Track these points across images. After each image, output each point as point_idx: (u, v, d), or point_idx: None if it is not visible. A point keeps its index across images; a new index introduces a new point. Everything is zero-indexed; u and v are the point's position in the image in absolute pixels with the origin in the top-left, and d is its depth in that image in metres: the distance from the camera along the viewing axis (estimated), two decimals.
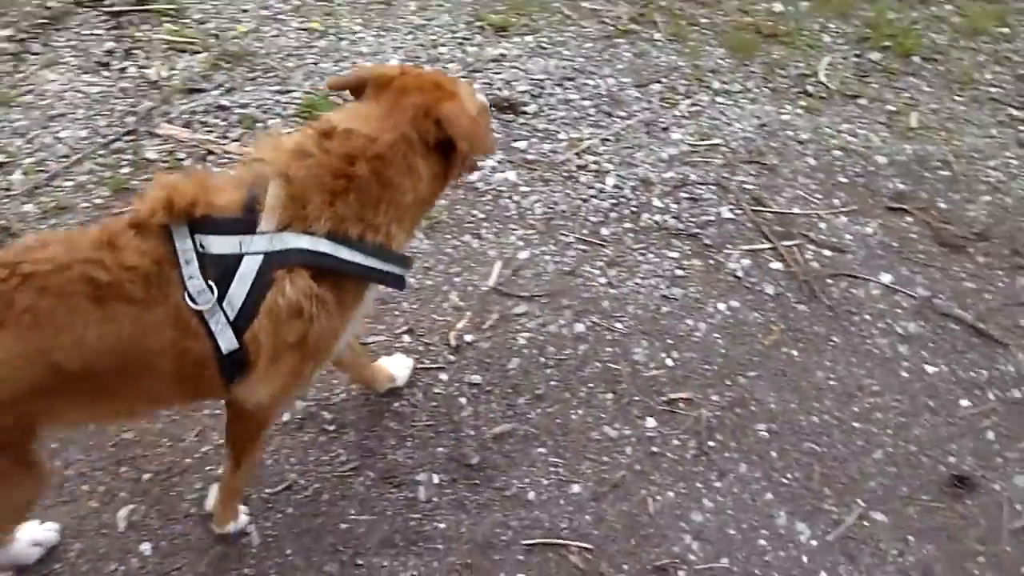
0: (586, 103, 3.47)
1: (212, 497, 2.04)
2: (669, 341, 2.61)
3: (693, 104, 3.56)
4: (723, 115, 3.51)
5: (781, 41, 3.98)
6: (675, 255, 2.91)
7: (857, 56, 3.92)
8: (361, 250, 1.64)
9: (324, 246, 1.59)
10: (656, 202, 3.09)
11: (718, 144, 3.36)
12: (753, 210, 3.07)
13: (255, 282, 1.56)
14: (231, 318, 1.56)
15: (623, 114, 3.47)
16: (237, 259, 1.56)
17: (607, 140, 3.33)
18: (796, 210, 3.10)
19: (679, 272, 2.85)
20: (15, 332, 1.43)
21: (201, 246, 1.55)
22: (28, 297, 1.44)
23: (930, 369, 2.61)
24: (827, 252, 2.95)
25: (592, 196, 3.09)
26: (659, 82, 3.67)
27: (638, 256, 2.89)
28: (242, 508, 2.05)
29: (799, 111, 3.56)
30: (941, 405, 2.52)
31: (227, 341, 1.57)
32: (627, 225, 3.00)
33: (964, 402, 2.53)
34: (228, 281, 1.55)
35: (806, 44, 3.97)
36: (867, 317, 2.75)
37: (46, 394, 1.50)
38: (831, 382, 2.56)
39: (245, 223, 1.57)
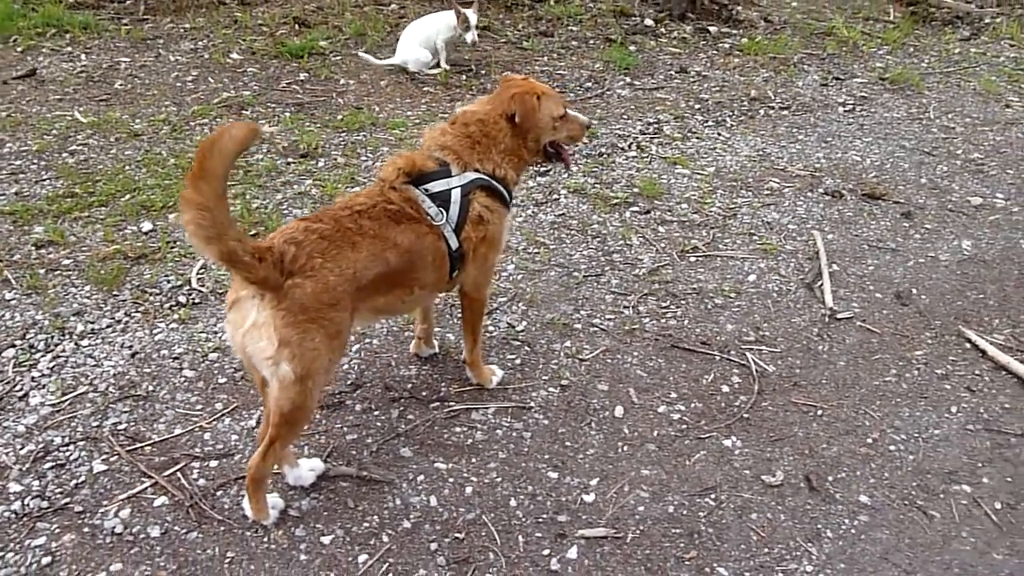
0: None
1: (471, 373, 3.28)
2: None
3: (55, 358, 3.32)
4: (90, 358, 3.33)
5: (151, 260, 3.98)
6: (41, 540, 2.58)
7: None
8: (496, 178, 2.86)
9: (482, 176, 2.82)
10: (13, 487, 2.75)
11: (84, 392, 3.15)
12: (129, 451, 2.91)
13: (461, 203, 2.76)
14: (453, 228, 2.75)
15: None
16: (448, 192, 2.75)
17: None
18: (178, 431, 3.01)
19: (46, 560, 2.52)
20: (367, 242, 2.54)
21: (426, 190, 2.73)
22: (366, 222, 2.57)
23: (325, 540, 2.66)
24: (213, 463, 2.89)
25: None
26: (13, 346, 3.37)
27: None
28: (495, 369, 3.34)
29: (174, 326, 3.55)
30: None
31: (454, 242, 2.77)
32: None
33: (362, 557, 2.61)
34: (447, 206, 2.74)
35: (178, 255, 4.04)
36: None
37: (375, 283, 2.57)
38: None
39: (443, 173, 2.78)
